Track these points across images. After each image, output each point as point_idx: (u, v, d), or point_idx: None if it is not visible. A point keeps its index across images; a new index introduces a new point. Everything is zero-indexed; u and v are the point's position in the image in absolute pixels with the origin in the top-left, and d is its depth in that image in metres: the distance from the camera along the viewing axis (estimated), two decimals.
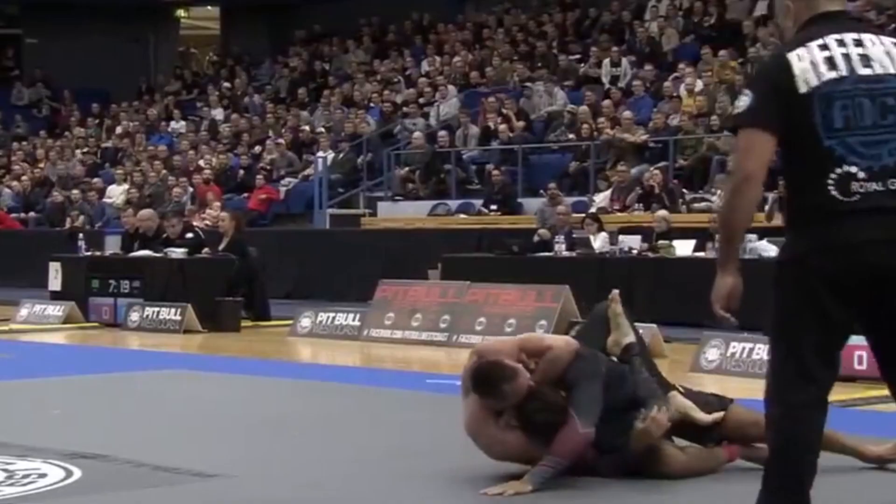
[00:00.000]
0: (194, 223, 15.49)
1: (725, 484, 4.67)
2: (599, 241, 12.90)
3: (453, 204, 17.84)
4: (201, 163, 21.57)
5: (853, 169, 3.24)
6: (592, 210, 14.97)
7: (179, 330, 12.17)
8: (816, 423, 3.38)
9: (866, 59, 3.29)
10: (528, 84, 19.48)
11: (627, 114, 17.13)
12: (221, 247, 13.49)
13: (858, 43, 3.31)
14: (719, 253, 3.42)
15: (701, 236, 12.38)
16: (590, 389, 4.57)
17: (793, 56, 3.28)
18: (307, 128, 21.53)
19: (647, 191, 15.43)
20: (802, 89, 3.25)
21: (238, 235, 13.55)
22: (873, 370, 8.60)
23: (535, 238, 13.71)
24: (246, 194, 20.13)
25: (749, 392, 5.41)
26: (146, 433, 6.10)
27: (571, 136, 17.76)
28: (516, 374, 4.60)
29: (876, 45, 3.33)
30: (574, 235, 13.13)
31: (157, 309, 12.53)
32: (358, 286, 15.30)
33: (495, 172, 17.18)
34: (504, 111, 18.75)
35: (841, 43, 3.29)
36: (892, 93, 3.28)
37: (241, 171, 20.86)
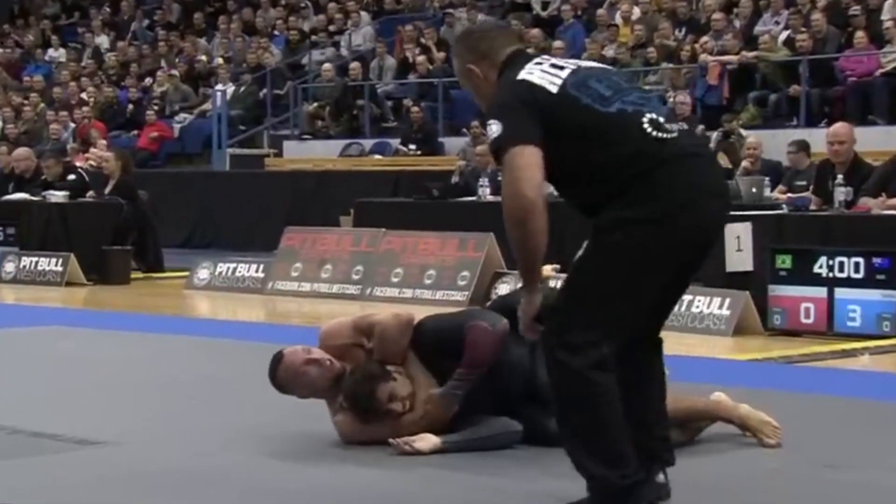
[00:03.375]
0: (76, 163, 15.25)
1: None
2: None
3: (367, 143, 17.78)
4: (84, 96, 21.21)
5: (653, 115, 3.59)
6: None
7: (61, 282, 12.06)
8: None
9: (575, 62, 3.75)
10: (450, 10, 19.42)
11: (558, 44, 17.15)
12: (107, 190, 13.34)
13: (561, 60, 3.76)
14: (525, 278, 3.60)
15: None
16: (457, 316, 4.69)
17: (523, 74, 3.61)
18: (204, 58, 21.24)
19: None
20: (553, 89, 3.56)
21: (126, 177, 13.41)
22: (821, 324, 8.84)
23: (454, 179, 13.73)
24: (135, 132, 19.88)
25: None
26: (23, 396, 6.03)
27: None
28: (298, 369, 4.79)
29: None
30: (500, 178, 13.14)
31: (35, 259, 12.39)
32: (262, 234, 15.25)
33: (414, 109, 17.14)
34: (423, 41, 18.67)
35: (551, 62, 3.71)
36: (617, 74, 3.81)
37: (130, 106, 20.58)
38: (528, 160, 3.46)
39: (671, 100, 15.52)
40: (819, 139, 12.08)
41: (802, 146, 11.75)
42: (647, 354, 3.80)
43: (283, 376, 4.88)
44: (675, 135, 3.59)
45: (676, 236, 3.54)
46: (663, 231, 3.51)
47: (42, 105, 21.09)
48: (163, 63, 21.80)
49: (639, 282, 3.55)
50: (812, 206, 9.36)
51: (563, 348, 3.52)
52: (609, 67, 3.92)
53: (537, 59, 3.69)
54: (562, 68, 3.64)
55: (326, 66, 18.88)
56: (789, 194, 10.97)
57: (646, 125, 3.55)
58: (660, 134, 3.55)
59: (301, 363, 4.84)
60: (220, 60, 20.77)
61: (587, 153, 3.55)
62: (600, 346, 3.51)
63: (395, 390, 4.70)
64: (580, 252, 3.64)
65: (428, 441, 4.60)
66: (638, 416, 3.68)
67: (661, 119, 3.59)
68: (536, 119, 3.51)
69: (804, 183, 11.04)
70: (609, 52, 16.98)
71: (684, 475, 3.97)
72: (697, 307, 8.61)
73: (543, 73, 3.60)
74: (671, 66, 16.24)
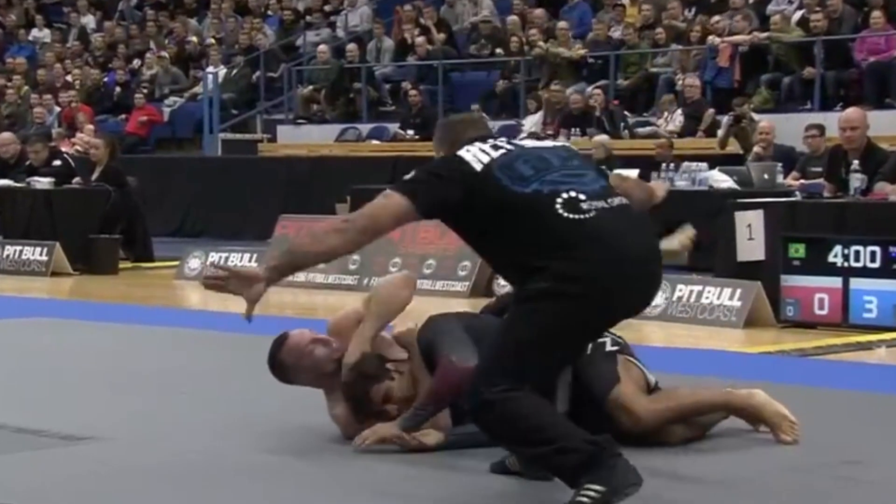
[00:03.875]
0: (62, 149, 15.24)
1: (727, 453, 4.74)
2: None
3: (364, 128, 17.78)
4: (69, 79, 21.18)
5: (572, 193, 3.80)
6: (523, 135, 14.94)
7: (46, 272, 12.04)
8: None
9: (521, 143, 4.06)
10: None
11: (563, 24, 17.12)
12: (94, 176, 13.33)
13: (508, 142, 4.04)
14: (278, 270, 3.96)
15: (644, 165, 12.49)
16: (447, 335, 4.64)
17: (462, 152, 3.96)
18: (194, 39, 21.21)
19: (585, 113, 15.51)
20: (478, 167, 3.86)
21: (114, 163, 13.41)
22: (835, 315, 8.85)
23: None
24: (123, 116, 19.86)
25: None
26: (7, 391, 6.02)
27: (499, 50, 17.73)
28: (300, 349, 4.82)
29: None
30: None
31: (19, 248, 12.38)
32: (255, 222, 15.25)
33: (412, 92, 17.13)
34: (422, 21, 18.64)
35: (495, 143, 4.01)
36: (562, 151, 4.02)
37: (118, 89, 20.55)
38: (387, 202, 3.90)
39: (680, 83, 15.53)
40: (834, 123, 12.06)
41: (823, 130, 11.72)
42: None
43: (286, 358, 4.86)
44: (592, 214, 3.76)
45: (598, 313, 3.79)
46: (586, 306, 3.72)
47: (26, 88, 21.06)
48: (152, 44, 21.77)
49: (561, 345, 3.80)
50: (826, 193, 9.36)
51: (486, 392, 3.74)
52: (564, 145, 4.23)
53: (489, 140, 4.02)
54: (497, 148, 3.94)
55: (322, 47, 18.86)
56: (802, 180, 10.97)
57: (558, 206, 3.76)
58: (572, 215, 3.74)
59: (307, 342, 4.85)
60: (212, 41, 20.75)
61: (503, 231, 3.80)
62: (520, 390, 3.74)
63: (392, 391, 4.69)
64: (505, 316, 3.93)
65: (434, 436, 4.60)
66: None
67: (582, 197, 3.79)
68: (447, 191, 3.83)
69: (819, 169, 11.03)
70: (616, 33, 16.96)
71: (693, 472, 3.97)
72: (707, 298, 8.61)
73: (478, 152, 3.92)
74: (680, 47, 16.23)
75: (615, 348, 4.72)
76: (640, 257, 3.83)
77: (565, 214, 3.74)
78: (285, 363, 4.88)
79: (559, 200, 3.77)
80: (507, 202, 3.79)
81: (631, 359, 4.77)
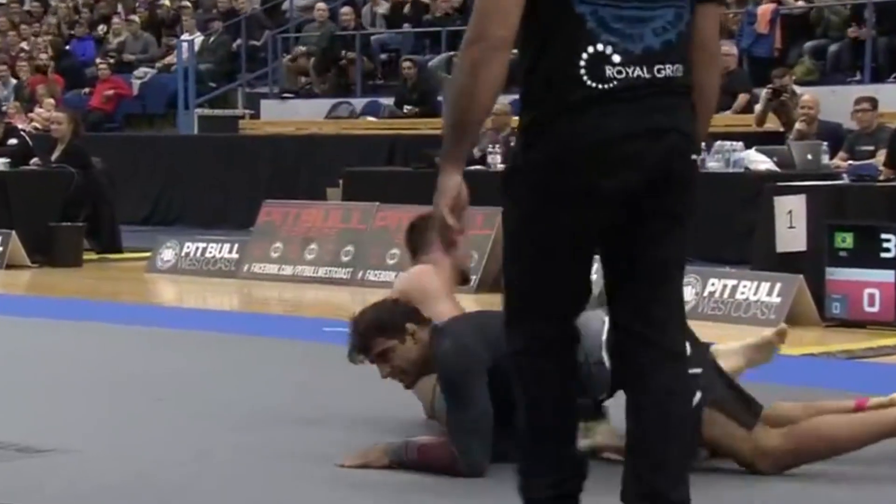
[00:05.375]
0: (18, 125, 15.26)
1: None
2: None
3: (358, 103, 17.77)
4: (25, 45, 21.17)
5: (607, 49, 3.32)
6: None
7: (1, 264, 12.05)
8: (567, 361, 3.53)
9: None
10: None
11: None
12: (55, 156, 13.34)
13: None
14: (450, 143, 3.40)
15: None
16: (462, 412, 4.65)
17: None
18: (167, 2, 21.21)
19: None
20: None
21: (77, 142, 13.41)
22: (888, 313, 8.82)
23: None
24: (87, 89, 19.84)
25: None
26: None
27: None
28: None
29: None
30: (512, 143, 13.15)
31: None
32: (236, 209, 15.25)
33: (405, 64, 17.04)
34: None
35: None
36: None
37: (80, 58, 20.52)
38: (500, 3, 3.31)
39: None
40: (887, 96, 12.05)
41: (875, 103, 11.68)
42: (646, 364, 3.46)
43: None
44: (617, 83, 3.31)
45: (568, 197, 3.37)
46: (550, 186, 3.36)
47: None
48: (119, 8, 21.77)
49: (528, 251, 3.46)
50: (881, 178, 9.34)
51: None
52: None
53: None
54: None
55: (321, 5, 18.68)
56: (851, 161, 10.96)
57: (583, 61, 3.31)
58: (594, 83, 3.30)
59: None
60: (187, 5, 20.73)
61: (532, 51, 3.39)
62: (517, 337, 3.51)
63: (394, 352, 4.78)
64: None
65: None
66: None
67: (617, 58, 3.30)
68: None
69: (871, 147, 11.00)
70: None
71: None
72: (743, 294, 8.62)
73: None
74: None
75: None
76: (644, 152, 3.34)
77: (582, 76, 3.31)
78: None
79: (585, 55, 3.31)
80: (553, 14, 3.32)
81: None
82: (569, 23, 3.32)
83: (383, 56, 18.45)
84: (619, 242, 3.44)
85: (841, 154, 11.53)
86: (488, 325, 4.64)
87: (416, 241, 5.77)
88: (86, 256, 12.68)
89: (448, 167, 3.40)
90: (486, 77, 3.31)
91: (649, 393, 3.43)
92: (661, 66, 3.35)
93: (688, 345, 3.69)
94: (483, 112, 3.40)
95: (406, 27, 18.31)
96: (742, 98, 14.39)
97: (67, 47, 21.20)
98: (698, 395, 4.30)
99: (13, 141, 13.50)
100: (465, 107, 3.37)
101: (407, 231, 5.90)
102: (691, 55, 3.42)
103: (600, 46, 3.31)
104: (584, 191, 3.32)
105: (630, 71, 3.32)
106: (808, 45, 15.23)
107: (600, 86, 3.31)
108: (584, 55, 3.31)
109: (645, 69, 3.33)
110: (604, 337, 4.37)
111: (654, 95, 3.34)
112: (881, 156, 10.44)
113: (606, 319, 3.73)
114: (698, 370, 4.32)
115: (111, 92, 19.49)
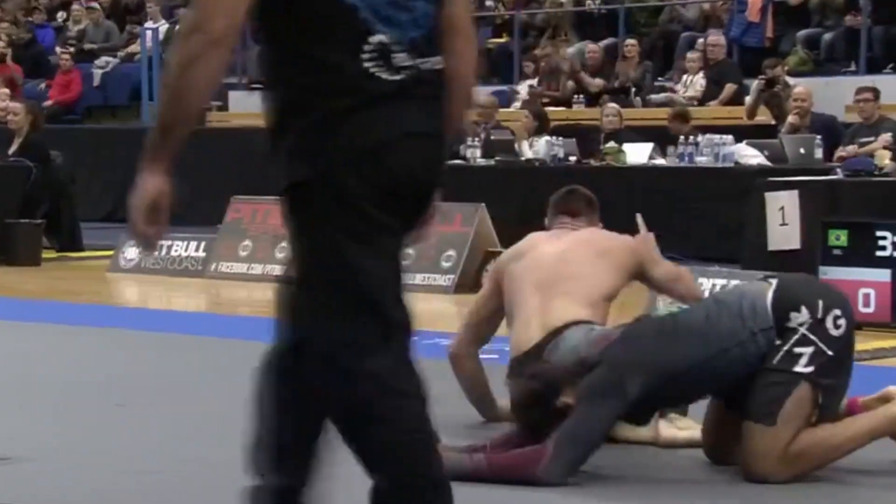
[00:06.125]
0: None
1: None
2: (542, 146, 12.88)
3: None
4: None
5: (385, 38, 3.21)
6: (517, 103, 14.99)
7: None
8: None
9: None
10: None
11: None
12: (12, 150, 13.31)
13: None
14: (157, 141, 3.33)
15: (659, 137, 12.52)
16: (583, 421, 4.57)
17: None
18: None
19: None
20: None
21: (36, 135, 13.38)
22: (884, 314, 8.84)
23: None
24: (45, 80, 19.77)
25: None
26: None
27: (489, 2, 17.73)
28: None
29: None
30: (493, 138, 13.16)
31: None
32: (202, 205, 15.18)
33: None
34: None
35: None
36: None
37: (38, 47, 20.45)
38: None
39: (700, 40, 15.52)
40: (884, 87, 12.07)
41: (877, 94, 11.67)
42: None
43: None
44: (403, 76, 3.22)
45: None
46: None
47: None
48: None
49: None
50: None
51: None
52: None
53: None
54: None
55: None
56: (846, 151, 10.95)
57: (366, 53, 3.19)
58: (383, 73, 3.21)
59: None
60: None
61: (291, 47, 3.26)
62: None
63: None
64: None
65: None
66: None
67: (397, 48, 3.21)
68: None
69: (871, 139, 11.01)
70: None
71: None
72: None
73: None
74: None
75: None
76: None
77: (370, 69, 3.20)
78: None
79: (368, 46, 3.20)
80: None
81: None
82: (340, 12, 3.18)
83: None
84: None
85: (847, 149, 11.40)
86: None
87: None
88: (45, 255, 12.65)
89: (152, 166, 3.36)
90: (202, 74, 3.18)
91: None
92: (425, 60, 3.25)
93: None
94: (196, 111, 3.29)
95: None
96: (730, 89, 14.42)
97: (29, 35, 21.10)
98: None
99: None
100: (177, 105, 3.26)
101: None
102: (447, 43, 3.31)
103: (380, 37, 3.19)
104: (390, 190, 3.21)
105: (412, 62, 3.21)
106: (801, 34, 15.27)
107: (391, 78, 3.20)
108: (366, 46, 3.19)
109: (418, 60, 3.23)
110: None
111: (425, 91, 3.25)
112: (882, 149, 10.45)
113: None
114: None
115: (71, 82, 19.38)
